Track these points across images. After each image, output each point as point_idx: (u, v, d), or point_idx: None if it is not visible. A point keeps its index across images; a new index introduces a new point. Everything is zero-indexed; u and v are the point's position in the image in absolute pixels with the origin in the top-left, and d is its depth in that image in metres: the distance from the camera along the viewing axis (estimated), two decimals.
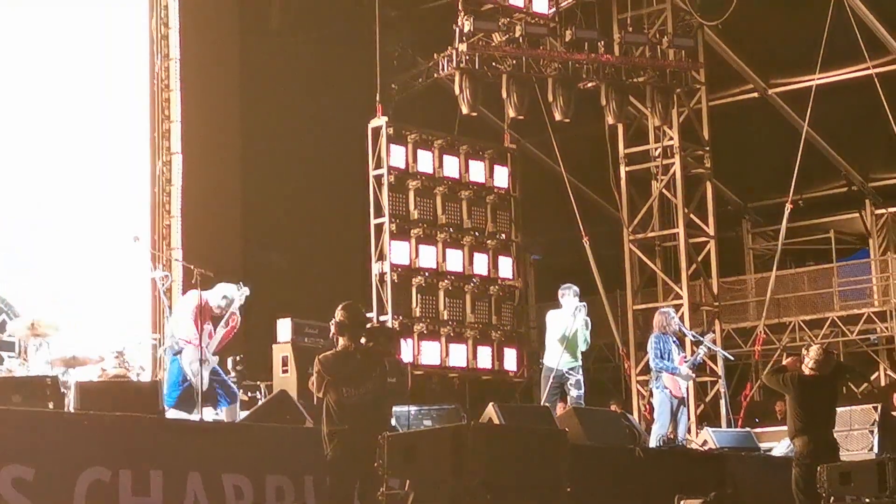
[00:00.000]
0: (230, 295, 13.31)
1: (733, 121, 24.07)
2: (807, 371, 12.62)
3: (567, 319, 15.38)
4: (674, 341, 15.97)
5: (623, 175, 22.04)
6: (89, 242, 16.58)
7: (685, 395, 16.05)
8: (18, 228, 15.77)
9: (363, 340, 10.07)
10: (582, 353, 15.82)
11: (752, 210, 28.40)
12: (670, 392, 15.65)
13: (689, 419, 16.34)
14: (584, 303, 15.61)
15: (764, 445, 16.20)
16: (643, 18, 21.69)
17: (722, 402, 19.96)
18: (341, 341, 10.02)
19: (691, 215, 21.81)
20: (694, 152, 22.15)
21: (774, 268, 22.29)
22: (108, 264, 16.52)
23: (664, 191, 21.74)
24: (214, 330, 13.29)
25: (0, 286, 14.39)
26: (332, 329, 10.09)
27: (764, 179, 25.80)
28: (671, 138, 21.72)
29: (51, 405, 10.80)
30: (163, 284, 15.01)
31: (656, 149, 21.95)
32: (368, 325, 10.56)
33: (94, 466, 9.97)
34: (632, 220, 21.96)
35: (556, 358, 15.40)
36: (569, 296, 15.57)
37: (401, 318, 19.15)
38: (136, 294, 16.90)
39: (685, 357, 16.16)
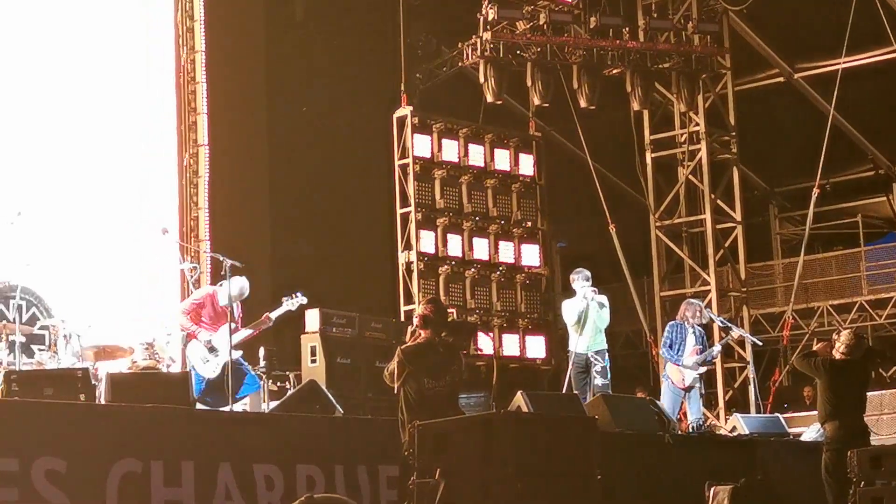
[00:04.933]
0: (234, 293, 13.37)
1: (759, 106, 24.01)
2: (838, 355, 12.60)
3: (578, 303, 15.32)
4: (695, 332, 15.78)
5: (649, 161, 22.00)
6: (119, 235, 16.64)
7: (694, 385, 15.75)
8: (50, 223, 15.80)
9: (444, 334, 10.21)
10: (604, 333, 15.71)
11: (779, 195, 28.31)
12: (672, 383, 15.58)
13: (700, 404, 16.13)
14: (595, 287, 15.49)
15: (793, 431, 16.16)
16: (668, 4, 21.61)
17: (751, 387, 19.90)
18: (423, 334, 10.13)
19: (718, 201, 21.76)
20: (720, 138, 22.10)
21: (802, 253, 22.21)
22: (137, 257, 16.59)
23: (690, 177, 21.70)
24: (220, 323, 13.41)
25: (32, 280, 14.41)
26: (416, 321, 10.25)
27: (791, 164, 25.73)
28: (697, 124, 21.68)
29: (82, 397, 10.85)
30: (191, 276, 15.07)
31: (682, 135, 21.91)
32: (450, 320, 10.71)
33: (125, 458, 10.01)
34: (658, 207, 21.92)
35: (575, 342, 15.39)
36: (579, 280, 15.45)
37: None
38: (166, 286, 16.96)
39: (700, 349, 15.86)
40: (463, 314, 19.52)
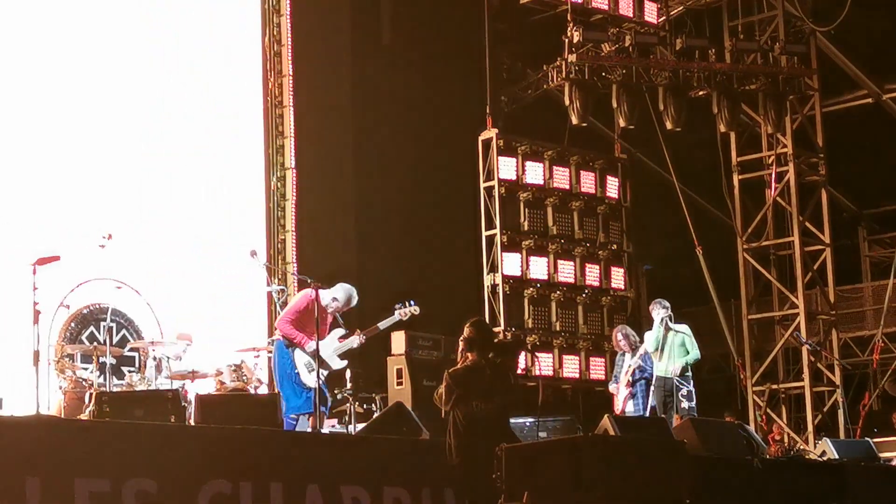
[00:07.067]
0: (339, 296, 13.32)
1: (848, 127, 23.76)
2: None
3: (655, 331, 15.39)
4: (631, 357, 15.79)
5: (736, 183, 21.87)
6: (207, 258, 16.79)
7: (629, 409, 15.63)
8: (140, 246, 15.98)
9: (490, 355, 10.15)
10: (697, 361, 15.67)
11: (868, 217, 27.97)
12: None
13: None
14: (671, 313, 15.46)
15: (884, 455, 15.96)
16: (754, 25, 21.51)
17: (840, 411, 19.69)
18: (470, 356, 10.09)
19: (806, 223, 21.58)
20: (808, 159, 21.92)
21: (892, 275, 21.97)
22: (225, 279, 16.72)
23: (778, 199, 21.53)
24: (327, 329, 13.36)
25: (122, 303, 14.60)
26: (461, 345, 10.17)
27: (880, 185, 25.44)
28: (784, 145, 21.52)
29: (172, 419, 10.96)
30: (279, 299, 15.15)
31: (770, 156, 21.76)
32: (496, 340, 10.64)
33: (215, 479, 10.07)
34: (746, 229, 21.78)
35: (655, 366, 15.45)
36: (656, 308, 15.56)
37: (513, 329, 19.23)
38: (253, 308, 17.10)
39: (632, 372, 15.86)
40: (548, 337, 19.50)
